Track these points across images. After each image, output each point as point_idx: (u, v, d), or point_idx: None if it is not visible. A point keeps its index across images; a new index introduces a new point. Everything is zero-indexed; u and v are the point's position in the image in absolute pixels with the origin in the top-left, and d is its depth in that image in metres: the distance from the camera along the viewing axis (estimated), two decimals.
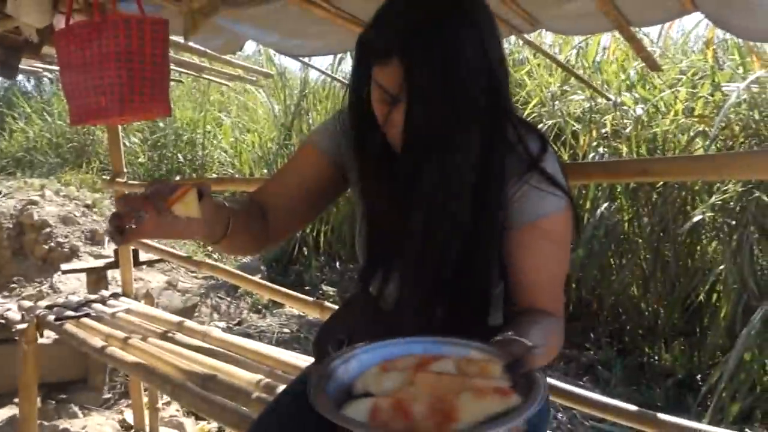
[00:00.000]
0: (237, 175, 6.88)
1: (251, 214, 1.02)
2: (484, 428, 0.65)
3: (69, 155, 8.37)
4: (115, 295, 2.61)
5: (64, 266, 3.15)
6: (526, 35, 2.03)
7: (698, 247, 3.74)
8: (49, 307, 2.41)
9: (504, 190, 0.95)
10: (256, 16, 2.11)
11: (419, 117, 0.85)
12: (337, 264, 5.64)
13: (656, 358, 3.71)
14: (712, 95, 3.77)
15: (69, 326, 2.19)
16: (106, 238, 4.97)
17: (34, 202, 5.03)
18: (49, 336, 2.75)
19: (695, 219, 3.40)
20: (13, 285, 4.44)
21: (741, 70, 3.69)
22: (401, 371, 0.75)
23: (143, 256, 2.91)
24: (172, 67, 3.63)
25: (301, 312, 4.65)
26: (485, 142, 0.91)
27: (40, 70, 4.39)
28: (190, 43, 2.62)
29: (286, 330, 4.41)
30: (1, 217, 4.81)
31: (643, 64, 2.84)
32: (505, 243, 0.97)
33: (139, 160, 7.54)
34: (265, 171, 6.45)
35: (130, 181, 2.82)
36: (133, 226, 0.80)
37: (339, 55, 5.73)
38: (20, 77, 7.62)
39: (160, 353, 1.81)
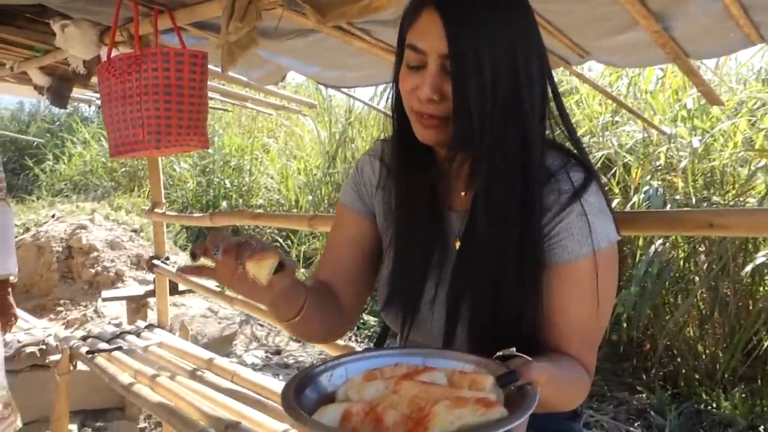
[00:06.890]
0: (282, 201, 6.92)
1: (322, 293, 1.01)
2: None
3: (123, 179, 8.60)
4: (150, 327, 2.59)
5: (105, 293, 3.16)
6: (574, 66, 1.94)
7: (761, 289, 3.51)
8: (84, 338, 2.40)
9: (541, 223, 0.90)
10: (296, 48, 2.09)
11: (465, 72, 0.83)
12: None
13: (714, 405, 3.48)
14: None
15: (100, 360, 2.18)
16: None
17: (83, 227, 5.14)
18: None
19: (759, 260, 3.19)
20: (59, 308, 4.52)
21: None
22: (386, 380, 0.72)
23: (182, 285, 2.90)
24: (219, 97, 3.69)
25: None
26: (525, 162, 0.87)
27: (94, 98, 4.51)
28: (234, 74, 2.63)
29: None
30: (51, 241, 4.93)
31: (700, 93, 2.69)
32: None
33: (188, 185, 7.68)
34: (310, 197, 6.47)
35: (168, 212, 2.82)
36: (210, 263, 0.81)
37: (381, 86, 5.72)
38: (79, 104, 7.91)
39: (186, 393, 1.76)
